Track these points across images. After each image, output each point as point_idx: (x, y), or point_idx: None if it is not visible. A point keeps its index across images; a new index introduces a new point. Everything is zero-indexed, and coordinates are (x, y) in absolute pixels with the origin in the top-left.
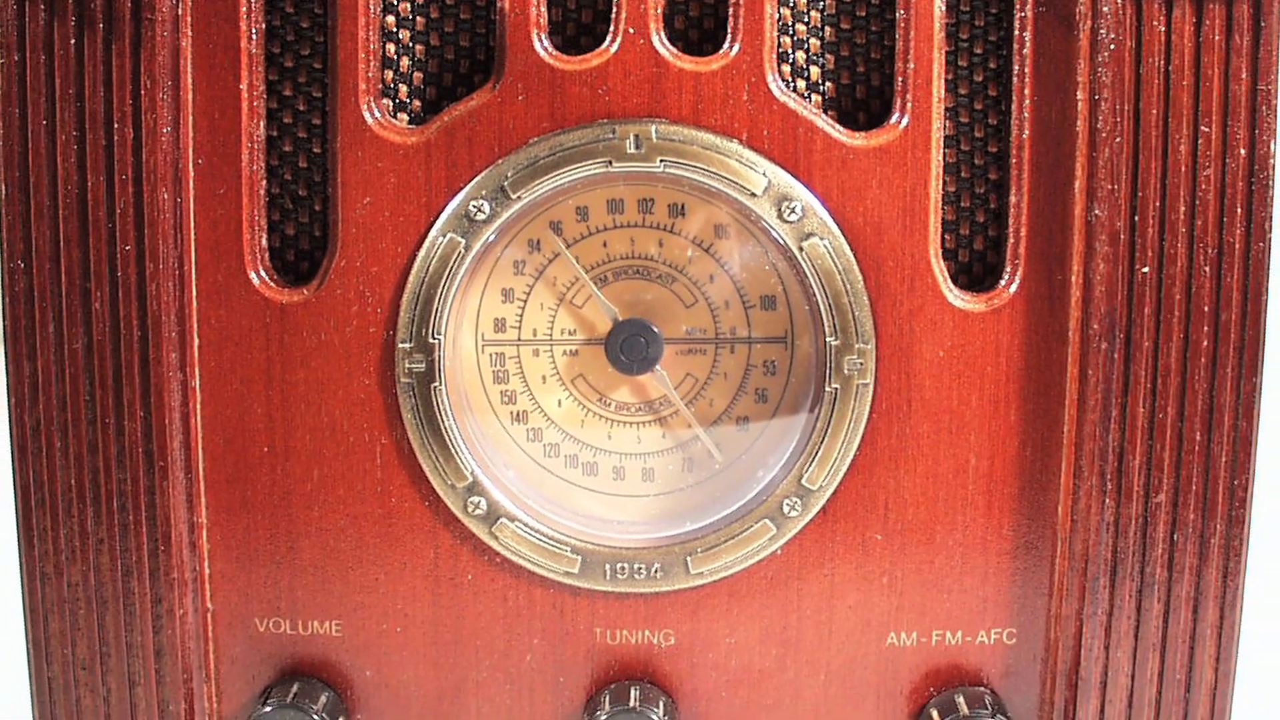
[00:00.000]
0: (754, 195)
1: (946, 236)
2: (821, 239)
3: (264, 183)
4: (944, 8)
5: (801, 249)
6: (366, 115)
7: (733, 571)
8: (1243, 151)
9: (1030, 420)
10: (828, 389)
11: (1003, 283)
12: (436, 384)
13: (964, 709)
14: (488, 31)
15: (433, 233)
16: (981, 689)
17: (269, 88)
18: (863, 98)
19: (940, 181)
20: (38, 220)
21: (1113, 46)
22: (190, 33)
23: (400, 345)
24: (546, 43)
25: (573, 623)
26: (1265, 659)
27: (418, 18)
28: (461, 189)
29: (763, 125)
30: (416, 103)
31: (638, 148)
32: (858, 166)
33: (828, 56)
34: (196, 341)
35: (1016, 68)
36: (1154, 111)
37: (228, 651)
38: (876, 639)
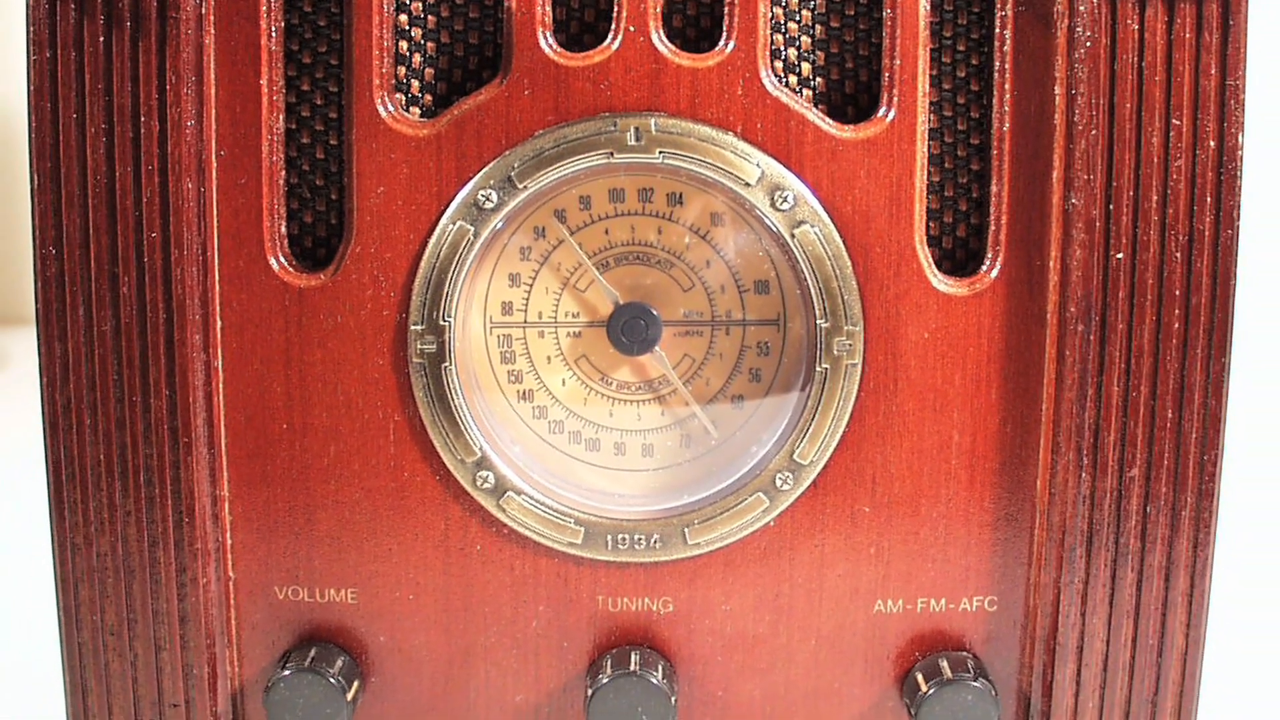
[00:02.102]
0: (748, 185)
1: (931, 224)
2: (812, 227)
3: (283, 173)
4: (928, 7)
5: (793, 236)
6: (380, 109)
7: (728, 542)
8: (1212, 143)
9: (1010, 398)
10: (818, 369)
11: (984, 268)
12: (447, 364)
13: (947, 672)
14: (495, 29)
15: (443, 220)
16: (964, 653)
17: (288, 83)
18: (851, 92)
19: (925, 172)
20: (68, 209)
21: (1089, 44)
22: (213, 31)
23: (412, 327)
24: (551, 40)
25: (576, 591)
26: (1235, 633)
27: (429, 16)
28: (470, 179)
29: (756, 118)
30: (428, 97)
31: (638, 140)
32: (847, 158)
33: (818, 53)
34: (219, 324)
35: (997, 64)
36: (1128, 105)
37: (249, 618)
38: (864, 606)
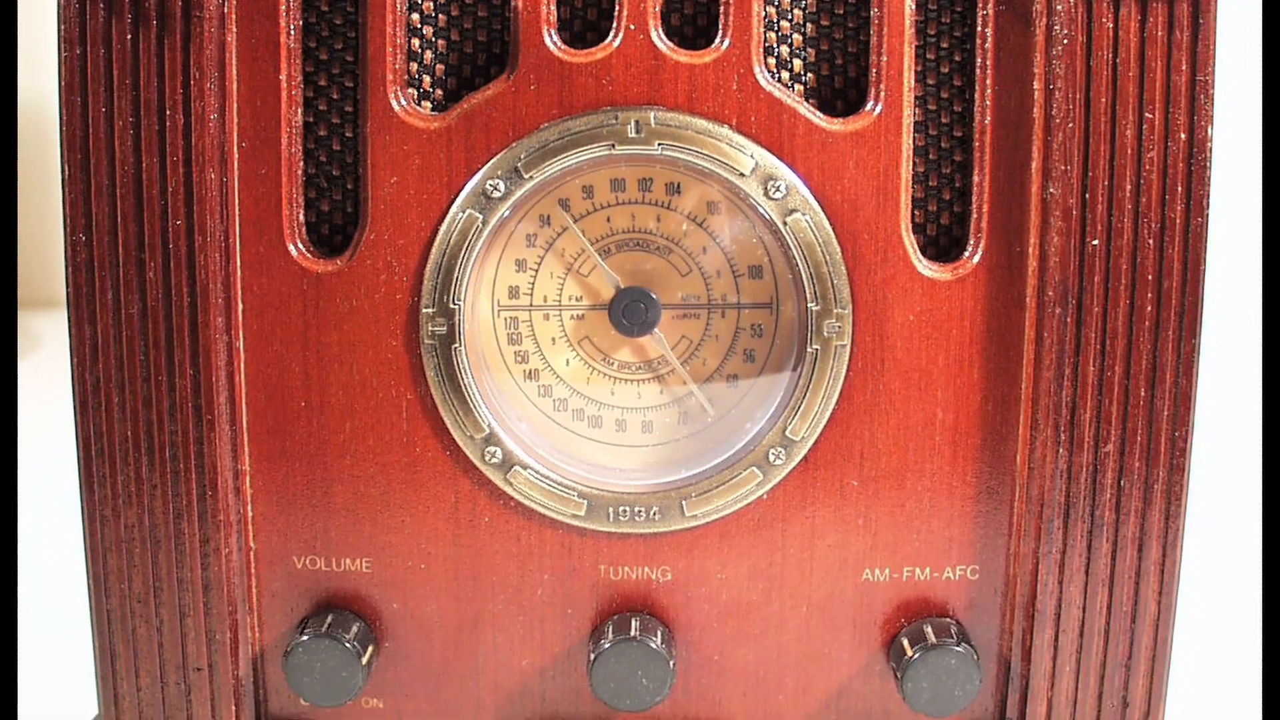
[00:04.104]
0: (742, 175)
1: (916, 212)
2: (804, 215)
3: (301, 164)
4: (914, 6)
5: (785, 224)
6: (394, 103)
7: (724, 514)
8: (1183, 136)
9: (991, 378)
10: (809, 350)
11: (967, 254)
12: (457, 345)
13: (932, 638)
14: (503, 28)
15: (453, 209)
16: (948, 620)
17: (306, 78)
18: (841, 87)
19: (910, 163)
20: (97, 198)
21: (1066, 41)
22: (235, 29)
23: (424, 310)
24: (556, 38)
25: (579, 560)
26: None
27: (440, 15)
28: (479, 169)
29: (750, 112)
30: (439, 92)
31: (638, 132)
32: (836, 149)
33: (809, 50)
34: (240, 307)
35: (979, 60)
36: (1103, 100)
37: (269, 586)
38: (853, 575)
